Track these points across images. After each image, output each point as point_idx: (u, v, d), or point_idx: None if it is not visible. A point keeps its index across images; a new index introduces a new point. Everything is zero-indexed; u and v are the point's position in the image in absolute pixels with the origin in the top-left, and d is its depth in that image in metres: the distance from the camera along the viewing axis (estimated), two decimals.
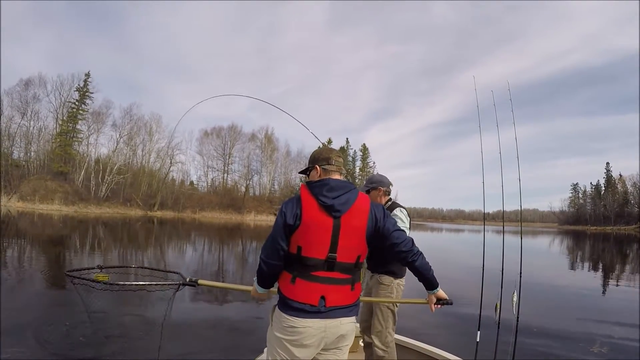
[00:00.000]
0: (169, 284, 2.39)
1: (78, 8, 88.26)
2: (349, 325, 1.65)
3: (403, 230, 1.73)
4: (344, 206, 1.59)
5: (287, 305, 1.60)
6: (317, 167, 1.71)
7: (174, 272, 2.60)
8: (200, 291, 7.74)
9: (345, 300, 1.63)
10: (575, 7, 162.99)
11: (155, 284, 2.36)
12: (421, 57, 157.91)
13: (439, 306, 1.82)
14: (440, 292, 1.79)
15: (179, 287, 2.38)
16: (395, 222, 1.73)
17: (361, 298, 2.23)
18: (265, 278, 1.72)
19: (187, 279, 2.42)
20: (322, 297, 1.58)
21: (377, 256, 2.61)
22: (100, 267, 2.43)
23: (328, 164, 1.70)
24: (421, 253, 1.69)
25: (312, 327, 1.56)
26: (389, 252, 1.69)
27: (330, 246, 1.57)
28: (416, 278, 1.77)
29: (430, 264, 1.73)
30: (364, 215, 1.63)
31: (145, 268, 2.64)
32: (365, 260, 2.73)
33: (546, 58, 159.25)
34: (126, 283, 2.31)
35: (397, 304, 2.68)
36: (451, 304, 1.80)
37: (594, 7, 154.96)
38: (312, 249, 1.58)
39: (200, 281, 2.43)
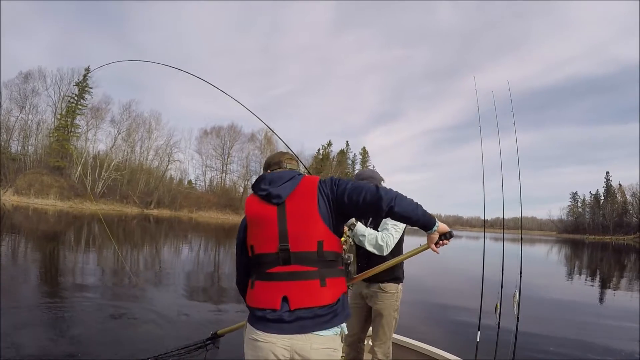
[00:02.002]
0: (194, 345, 2.63)
1: (82, 4, 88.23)
2: (321, 352, 1.32)
3: (361, 183, 1.46)
4: (284, 190, 1.43)
5: (250, 315, 1.43)
6: (269, 171, 1.58)
7: (203, 343, 2.70)
8: (196, 290, 7.57)
9: (316, 299, 1.34)
10: (579, 15, 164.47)
11: (182, 348, 2.68)
12: (425, 61, 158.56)
13: (444, 242, 1.48)
14: (442, 226, 1.44)
15: (205, 346, 2.58)
16: (349, 181, 1.47)
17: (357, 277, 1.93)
18: (243, 295, 1.59)
19: (210, 334, 2.61)
20: (285, 298, 1.34)
21: (376, 261, 2.34)
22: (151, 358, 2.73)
23: (280, 168, 1.58)
24: (397, 194, 1.37)
25: (275, 344, 1.31)
26: (358, 212, 1.46)
27: (280, 236, 1.38)
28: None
29: (414, 200, 1.40)
30: (312, 194, 1.42)
31: (180, 349, 2.77)
32: (354, 266, 2.41)
33: (549, 66, 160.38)
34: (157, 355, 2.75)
35: (398, 310, 2.48)
36: (452, 235, 1.48)
37: (598, 17, 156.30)
38: (262, 243, 1.42)
39: (219, 332, 2.60)
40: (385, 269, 2.33)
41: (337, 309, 1.38)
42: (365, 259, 2.42)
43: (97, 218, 29.84)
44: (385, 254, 2.32)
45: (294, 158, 1.66)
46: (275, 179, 1.46)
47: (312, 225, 1.38)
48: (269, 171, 1.58)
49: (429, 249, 1.52)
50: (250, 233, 1.47)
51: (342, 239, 1.62)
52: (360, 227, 2.33)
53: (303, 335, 1.32)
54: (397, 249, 2.42)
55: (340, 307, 1.40)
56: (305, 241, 1.38)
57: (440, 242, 1.47)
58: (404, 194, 1.39)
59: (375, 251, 2.31)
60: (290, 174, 1.48)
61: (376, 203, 1.35)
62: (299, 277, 1.36)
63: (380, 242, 2.29)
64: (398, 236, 2.36)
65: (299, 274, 1.36)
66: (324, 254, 1.39)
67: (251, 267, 1.50)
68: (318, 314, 1.34)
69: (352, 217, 1.51)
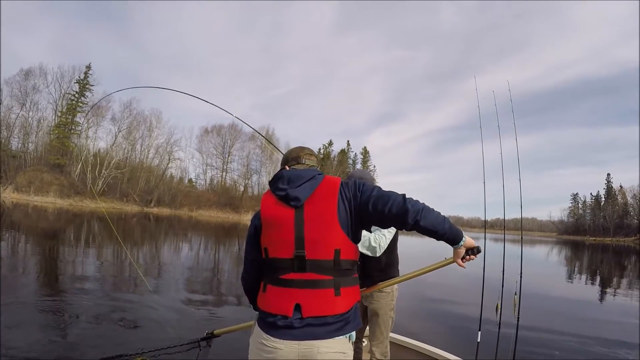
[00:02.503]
0: (187, 343, 2.55)
1: (83, 2, 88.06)
2: (330, 355, 1.29)
3: (387, 191, 1.38)
4: (303, 192, 1.36)
5: (260, 319, 1.40)
6: (287, 167, 1.53)
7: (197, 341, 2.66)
8: (196, 289, 7.49)
9: (329, 308, 1.31)
10: (580, 17, 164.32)
11: (174, 346, 2.61)
12: (427, 62, 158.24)
13: (470, 258, 1.41)
14: (469, 241, 1.36)
15: (198, 344, 2.50)
16: (375, 187, 1.40)
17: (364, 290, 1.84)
18: (249, 296, 1.58)
19: (205, 333, 2.52)
20: (297, 306, 1.31)
21: (371, 263, 2.34)
22: (141, 353, 2.64)
23: (298, 164, 1.53)
24: (424, 207, 1.30)
25: (283, 350, 1.29)
26: (382, 223, 1.38)
27: (296, 241, 1.33)
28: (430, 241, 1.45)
29: (441, 213, 1.33)
30: (332, 198, 1.35)
31: (175, 346, 2.71)
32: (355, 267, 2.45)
33: (550, 68, 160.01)
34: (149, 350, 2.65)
35: (394, 309, 2.42)
36: (480, 250, 1.42)
37: (599, 19, 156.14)
38: (277, 248, 1.37)
39: (216, 332, 2.49)
40: (380, 269, 2.33)
41: (348, 317, 1.35)
42: (360, 260, 2.38)
43: (97, 216, 29.80)
44: (378, 255, 2.27)
45: (313, 153, 1.59)
46: (294, 178, 1.40)
47: (330, 233, 1.33)
48: (287, 167, 1.53)
49: (454, 263, 1.45)
50: (265, 234, 1.41)
51: None
52: None
53: (309, 342, 1.29)
54: (392, 248, 2.37)
55: (352, 315, 1.37)
56: (322, 249, 1.33)
57: (467, 257, 1.40)
58: (430, 207, 1.32)
59: (368, 253, 2.26)
60: (311, 173, 1.42)
61: (402, 215, 1.28)
62: (314, 286, 1.32)
63: (373, 243, 2.24)
64: (390, 237, 2.31)
65: (313, 283, 1.32)
66: (340, 263, 1.34)
67: (264, 270, 1.46)
68: (329, 322, 1.31)
69: (372, 225, 1.46)
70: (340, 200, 1.36)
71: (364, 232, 2.25)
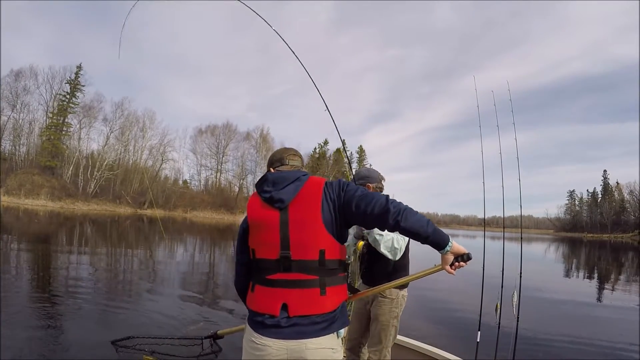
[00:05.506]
0: (191, 338, 2.62)
1: (77, 2, 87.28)
2: (319, 352, 1.32)
3: (372, 192, 1.38)
4: (287, 194, 1.39)
5: (250, 317, 1.45)
6: (272, 169, 1.56)
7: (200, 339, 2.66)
8: (193, 291, 7.30)
9: (314, 307, 1.35)
10: (578, 15, 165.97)
11: (179, 338, 2.70)
12: (423, 61, 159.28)
13: (460, 264, 1.34)
14: (456, 247, 1.32)
15: (201, 342, 2.54)
16: (359, 187, 1.40)
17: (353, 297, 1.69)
18: (243, 298, 1.59)
19: (210, 333, 2.56)
20: (284, 305, 1.35)
21: (376, 266, 2.31)
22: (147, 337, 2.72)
23: (282, 165, 1.56)
24: (406, 208, 1.30)
25: (271, 347, 1.33)
26: (365, 223, 1.40)
27: (281, 243, 1.37)
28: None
29: (425, 217, 1.30)
30: (316, 199, 1.38)
31: (182, 338, 2.75)
32: (360, 272, 2.29)
33: (548, 65, 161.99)
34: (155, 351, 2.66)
35: (399, 318, 2.31)
36: (470, 258, 1.34)
37: (597, 15, 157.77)
38: (263, 249, 1.42)
39: (220, 332, 2.52)
40: (385, 274, 2.24)
41: (335, 315, 1.38)
42: (366, 262, 2.31)
43: (90, 219, 29.41)
44: (397, 258, 2.17)
45: (297, 154, 1.61)
46: (278, 180, 1.42)
47: (315, 234, 1.36)
48: (271, 169, 1.55)
49: (444, 270, 1.39)
50: (252, 236, 1.45)
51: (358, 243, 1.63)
52: None
53: (297, 340, 1.32)
54: (404, 254, 2.25)
55: (338, 314, 1.39)
56: (307, 250, 1.36)
57: (457, 264, 1.35)
58: (414, 209, 1.32)
59: (388, 254, 2.16)
60: (295, 175, 1.43)
61: (383, 215, 1.30)
62: (299, 286, 1.36)
63: (395, 245, 2.13)
64: (407, 240, 2.22)
65: (299, 282, 1.36)
66: (325, 263, 1.37)
67: (252, 270, 1.49)
68: (316, 321, 1.34)
69: (355, 225, 1.53)
70: (324, 200, 1.38)
71: (387, 232, 2.17)
